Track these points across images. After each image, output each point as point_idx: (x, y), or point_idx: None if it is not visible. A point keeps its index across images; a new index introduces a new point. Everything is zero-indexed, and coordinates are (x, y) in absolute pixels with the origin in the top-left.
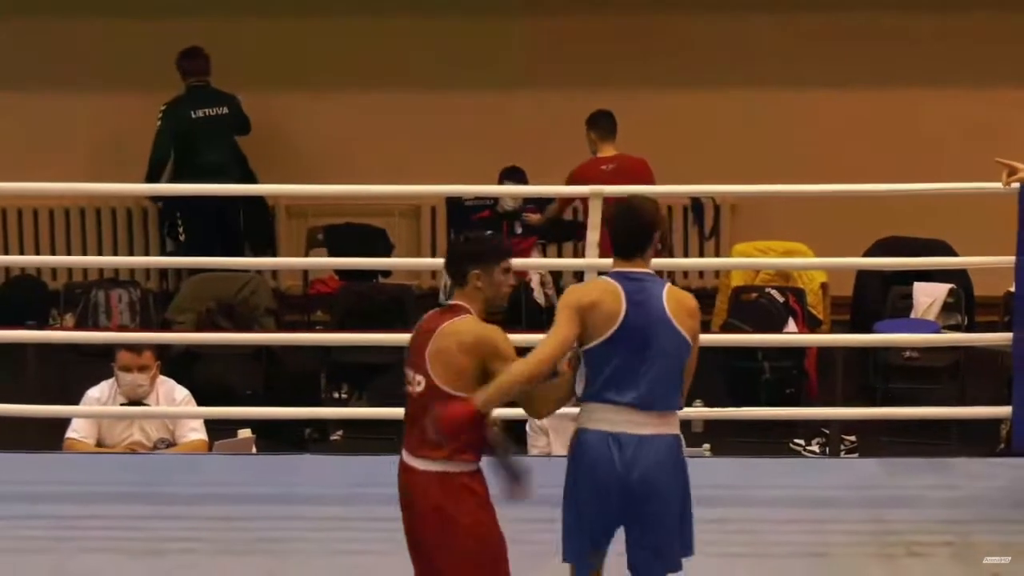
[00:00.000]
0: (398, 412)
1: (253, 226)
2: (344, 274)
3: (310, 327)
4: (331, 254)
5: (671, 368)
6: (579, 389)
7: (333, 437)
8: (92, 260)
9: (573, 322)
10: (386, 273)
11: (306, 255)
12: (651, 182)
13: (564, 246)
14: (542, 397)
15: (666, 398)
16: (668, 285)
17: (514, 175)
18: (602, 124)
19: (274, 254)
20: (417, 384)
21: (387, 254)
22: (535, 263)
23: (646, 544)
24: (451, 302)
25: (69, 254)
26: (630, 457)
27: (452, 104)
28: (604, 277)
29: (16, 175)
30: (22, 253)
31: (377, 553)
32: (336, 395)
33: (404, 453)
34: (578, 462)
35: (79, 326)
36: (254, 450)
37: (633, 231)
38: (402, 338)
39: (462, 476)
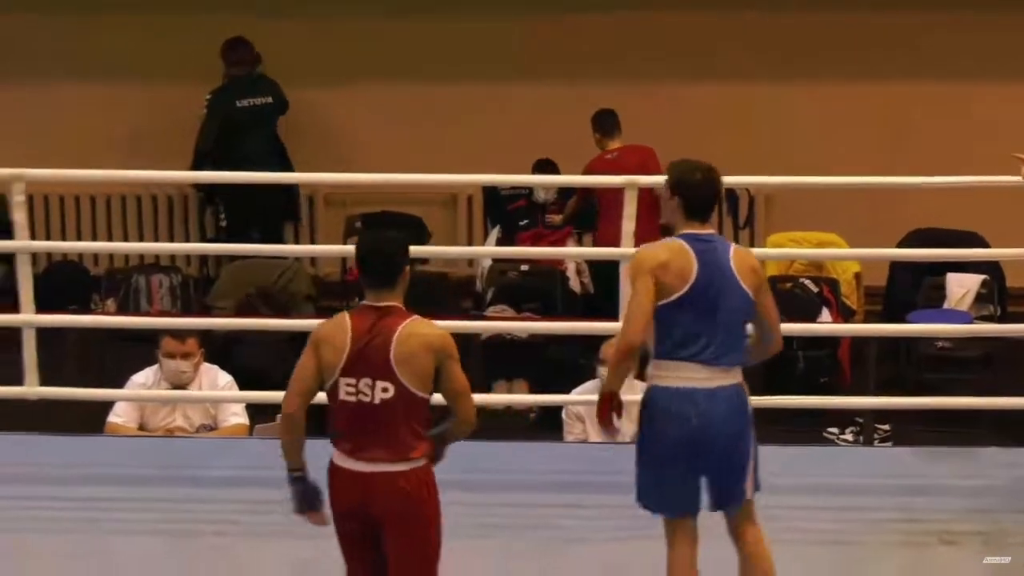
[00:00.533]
0: (434, 398)
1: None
2: None
3: None
4: None
5: (737, 324)
6: (650, 347)
7: None
8: (133, 246)
9: (649, 286)
10: (423, 260)
11: (344, 243)
12: (655, 166)
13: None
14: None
15: (733, 352)
16: (734, 245)
17: (546, 168)
18: (604, 122)
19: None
20: (382, 391)
21: (423, 242)
22: (571, 252)
23: (724, 486)
24: (386, 303)
25: (110, 240)
26: (703, 410)
27: (491, 96)
28: (673, 239)
29: (59, 163)
30: (64, 239)
31: None
32: None
33: (365, 466)
34: (652, 419)
35: (120, 311)
36: None
37: (708, 195)
38: (438, 324)
39: (423, 468)
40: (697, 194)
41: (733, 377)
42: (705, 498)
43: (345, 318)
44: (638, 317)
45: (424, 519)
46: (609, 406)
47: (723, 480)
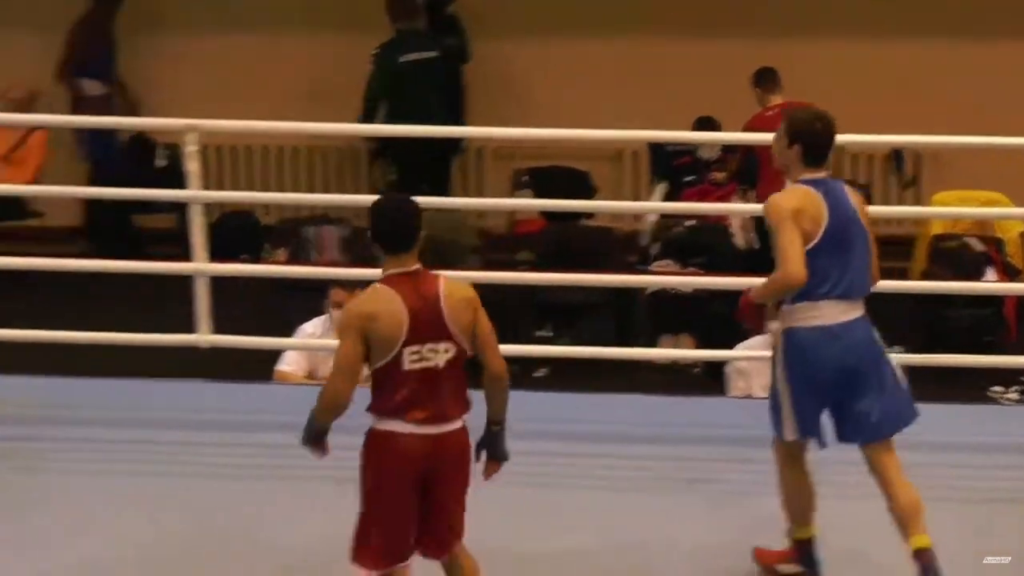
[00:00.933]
0: (600, 352)
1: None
2: (548, 215)
3: (514, 266)
4: (536, 195)
5: (863, 258)
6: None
7: (537, 374)
8: (304, 198)
9: (796, 230)
10: (589, 215)
11: (511, 196)
12: None
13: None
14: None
15: (862, 285)
16: (844, 184)
17: (707, 126)
18: (765, 79)
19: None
20: (445, 352)
21: (589, 196)
22: (733, 208)
23: (875, 413)
24: (413, 267)
25: (281, 191)
26: (845, 344)
27: (658, 52)
28: (799, 185)
29: (234, 114)
30: (236, 190)
31: (566, 487)
32: (541, 333)
33: (435, 428)
34: (795, 358)
35: (291, 261)
36: None
37: (828, 142)
38: (604, 279)
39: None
40: (818, 142)
41: (862, 308)
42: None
43: (387, 290)
44: (797, 257)
45: (469, 463)
46: (751, 313)
47: (871, 409)
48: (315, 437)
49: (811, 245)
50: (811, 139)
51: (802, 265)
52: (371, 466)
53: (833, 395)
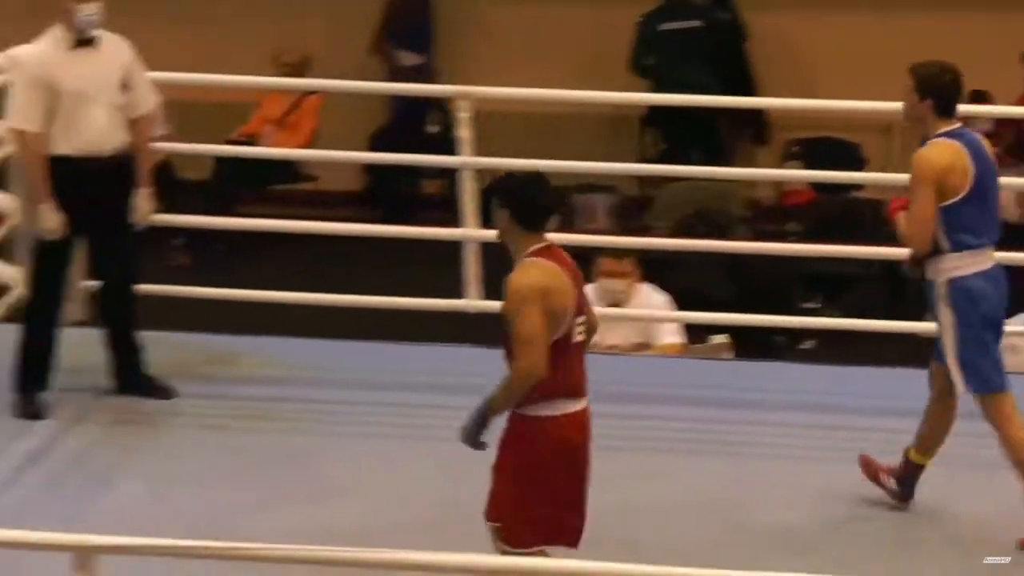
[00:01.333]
0: (869, 324)
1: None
2: (817, 186)
3: (783, 237)
4: (805, 166)
5: (997, 205)
6: (941, 244)
7: (804, 346)
8: (574, 165)
9: (932, 195)
10: (858, 187)
11: (781, 166)
12: None
13: None
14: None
15: (998, 232)
16: (977, 132)
17: (980, 99)
18: None
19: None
20: (587, 322)
21: (859, 168)
22: (1010, 183)
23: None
24: (548, 242)
25: (550, 159)
26: (1000, 287)
27: (933, 24)
28: (944, 140)
29: (508, 80)
30: (506, 157)
31: (818, 460)
32: (808, 305)
33: (584, 402)
34: (966, 305)
35: (559, 229)
36: (728, 355)
37: (958, 93)
38: (873, 251)
39: None
40: (949, 94)
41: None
42: None
43: (549, 263)
44: (927, 227)
45: None
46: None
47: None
48: (482, 428)
49: (961, 196)
50: (942, 92)
51: (929, 239)
52: (554, 449)
53: (993, 336)
